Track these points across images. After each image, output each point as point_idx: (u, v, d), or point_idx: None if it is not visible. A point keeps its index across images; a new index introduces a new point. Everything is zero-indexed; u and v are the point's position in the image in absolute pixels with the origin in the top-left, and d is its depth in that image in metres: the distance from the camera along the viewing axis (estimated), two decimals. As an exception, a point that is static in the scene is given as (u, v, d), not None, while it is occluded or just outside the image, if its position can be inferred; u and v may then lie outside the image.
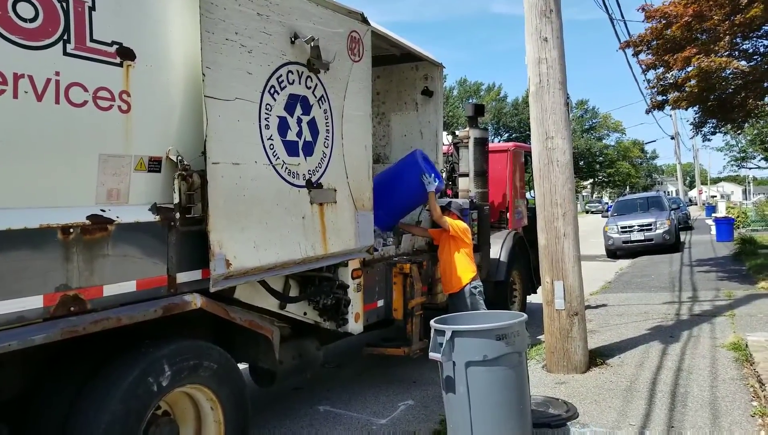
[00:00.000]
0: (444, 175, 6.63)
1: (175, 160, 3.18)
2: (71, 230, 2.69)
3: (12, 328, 2.46)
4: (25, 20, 2.55)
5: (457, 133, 7.79)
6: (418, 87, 6.45)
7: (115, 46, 2.92)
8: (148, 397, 2.89)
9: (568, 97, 6.04)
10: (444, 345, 3.79)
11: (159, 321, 3.03)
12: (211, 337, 3.68)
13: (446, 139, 7.62)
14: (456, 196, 7.43)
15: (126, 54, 2.97)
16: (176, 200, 3.17)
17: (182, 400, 3.29)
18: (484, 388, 3.77)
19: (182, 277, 3.21)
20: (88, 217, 2.78)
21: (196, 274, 3.29)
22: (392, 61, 6.39)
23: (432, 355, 3.89)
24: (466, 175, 7.41)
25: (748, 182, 69.87)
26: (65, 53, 2.71)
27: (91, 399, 2.78)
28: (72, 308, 2.68)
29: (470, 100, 48.03)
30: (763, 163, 45.95)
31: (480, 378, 3.76)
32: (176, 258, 3.17)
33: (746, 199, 47.09)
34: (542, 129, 5.88)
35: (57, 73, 2.67)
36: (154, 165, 3.14)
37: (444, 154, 6.98)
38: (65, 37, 2.70)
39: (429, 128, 6.43)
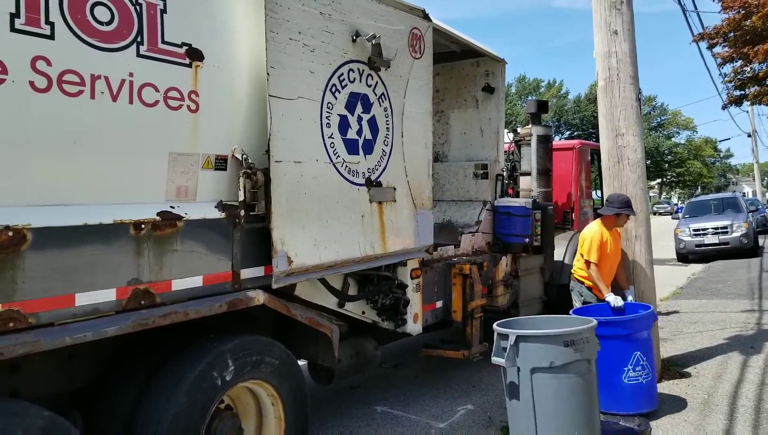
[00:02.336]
0: (505, 173, 6.47)
1: (240, 159, 3.24)
2: (143, 226, 2.78)
3: (87, 319, 2.56)
4: (101, 23, 2.65)
5: (518, 130, 7.61)
6: (478, 83, 6.33)
7: (185, 48, 3.00)
8: (212, 391, 2.95)
9: (639, 92, 5.79)
10: (508, 350, 3.68)
11: (222, 316, 3.09)
12: (270, 333, 3.73)
13: (507, 136, 7.45)
14: (517, 195, 7.25)
15: (195, 55, 3.05)
16: (241, 198, 3.23)
17: (244, 395, 3.34)
18: (550, 397, 3.63)
19: (246, 274, 3.27)
20: (158, 214, 2.87)
21: (258, 271, 3.34)
22: (452, 57, 6.30)
23: (495, 359, 3.78)
24: (528, 173, 7.22)
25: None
26: (138, 55, 2.80)
27: (158, 391, 2.86)
28: (142, 302, 2.77)
29: (530, 97, 47.08)
30: None
31: (546, 385, 3.63)
32: (240, 254, 3.23)
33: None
34: (612, 125, 5.65)
35: (131, 74, 2.77)
36: (221, 163, 3.21)
37: (505, 152, 6.82)
38: (138, 40, 2.80)
39: (490, 126, 6.29)
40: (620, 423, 4.31)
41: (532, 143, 7.17)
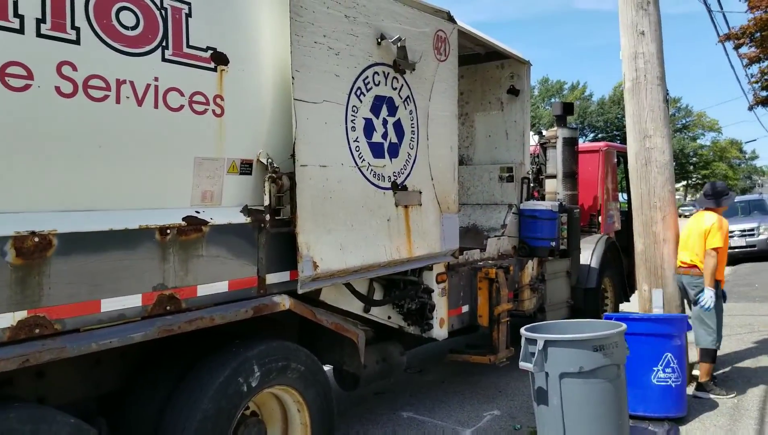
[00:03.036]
0: (531, 176, 6.37)
1: (265, 163, 3.20)
2: (168, 231, 2.76)
3: (113, 325, 2.54)
4: (127, 28, 2.64)
5: (543, 132, 7.49)
6: (503, 86, 6.24)
7: (210, 52, 2.98)
8: (238, 397, 2.92)
9: (667, 93, 5.67)
10: (536, 355, 3.63)
11: (248, 321, 3.06)
12: (295, 338, 3.70)
13: (533, 139, 7.34)
14: (543, 198, 7.14)
15: (220, 59, 3.02)
16: (266, 202, 3.19)
17: (270, 401, 3.31)
18: (579, 402, 3.59)
19: (271, 278, 3.23)
20: (183, 219, 2.85)
21: (284, 276, 3.30)
22: (476, 60, 6.22)
23: (523, 365, 3.73)
24: (554, 176, 7.11)
25: None
26: (163, 59, 2.78)
27: (184, 397, 2.83)
28: (168, 307, 2.75)
29: (553, 100, 46.58)
30: None
31: (575, 390, 3.59)
32: (266, 259, 3.20)
33: None
34: (639, 127, 5.57)
35: (156, 79, 2.75)
36: (246, 167, 3.18)
37: (530, 154, 6.72)
38: (164, 44, 2.78)
39: (515, 128, 6.20)
40: (649, 428, 4.26)
41: (558, 145, 7.05)
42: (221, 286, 2.98)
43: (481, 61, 6.26)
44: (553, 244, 5.98)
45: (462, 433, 4.55)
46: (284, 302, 3.17)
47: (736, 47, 12.74)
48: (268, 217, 3.19)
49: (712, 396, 4.95)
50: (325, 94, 3.41)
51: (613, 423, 3.63)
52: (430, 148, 4.27)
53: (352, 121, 3.62)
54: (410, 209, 4.06)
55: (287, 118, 3.28)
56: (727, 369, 5.70)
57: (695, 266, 5.15)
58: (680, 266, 5.30)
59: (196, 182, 2.96)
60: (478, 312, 5.10)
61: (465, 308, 5.02)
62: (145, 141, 2.73)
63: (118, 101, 2.60)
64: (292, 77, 3.22)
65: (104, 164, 2.59)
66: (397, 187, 3.96)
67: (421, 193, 4.16)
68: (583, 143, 8.47)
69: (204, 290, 2.90)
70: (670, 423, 4.33)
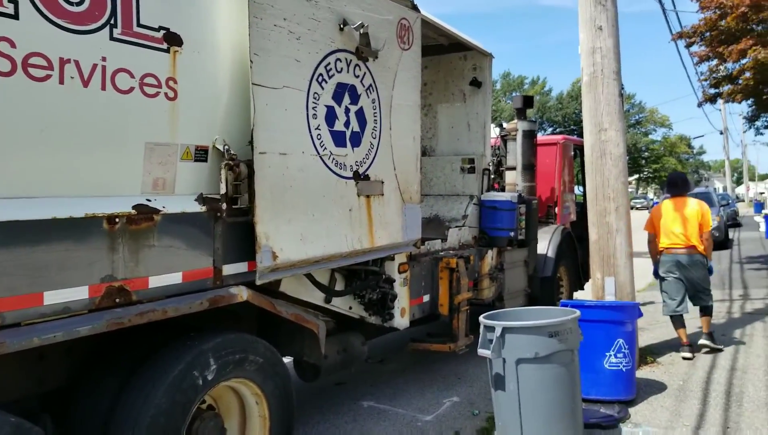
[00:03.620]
0: (491, 168, 6.42)
1: (221, 150, 3.09)
2: (117, 220, 2.63)
3: (58, 319, 2.41)
4: (71, 3, 2.48)
5: (504, 125, 7.56)
6: (466, 77, 6.24)
7: (162, 32, 2.84)
8: (193, 391, 2.82)
9: (622, 88, 5.80)
10: (494, 341, 3.67)
11: (204, 314, 2.96)
12: (254, 330, 3.61)
13: (493, 131, 7.40)
14: (503, 189, 7.22)
15: (173, 40, 2.89)
16: (223, 191, 3.08)
17: (227, 394, 3.22)
18: (534, 386, 3.67)
19: (228, 269, 3.13)
20: (134, 207, 2.72)
21: (242, 267, 3.20)
22: (440, 50, 6.20)
23: (481, 351, 3.77)
24: (514, 168, 7.19)
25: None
26: (112, 38, 2.63)
27: (136, 392, 2.72)
28: (117, 300, 2.62)
29: (515, 94, 47.26)
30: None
31: (531, 376, 3.66)
32: (222, 250, 3.09)
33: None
34: (595, 120, 5.70)
35: (103, 59, 2.60)
36: (201, 154, 3.06)
37: (491, 146, 6.77)
38: (112, 22, 2.63)
39: (477, 120, 6.22)
40: (601, 410, 4.39)
41: (518, 138, 7.13)
42: (175, 278, 2.86)
43: (444, 52, 6.24)
44: (512, 234, 6.05)
45: (422, 420, 4.56)
46: (242, 293, 3.08)
47: (688, 46, 13.19)
48: (224, 205, 3.08)
49: (711, 345, 5.91)
50: (285, 79, 3.31)
51: (567, 406, 3.73)
52: (393, 137, 4.23)
53: (313, 108, 3.53)
54: (372, 199, 4.01)
55: (245, 104, 3.17)
56: (673, 353, 5.93)
57: (694, 246, 5.86)
58: (673, 246, 5.92)
59: (147, 169, 2.83)
60: (439, 301, 5.12)
61: (426, 298, 5.02)
62: (91, 124, 2.59)
63: (61, 81, 2.45)
64: (251, 61, 3.11)
65: (47, 148, 2.44)
66: (359, 177, 3.90)
67: (383, 183, 4.12)
68: (542, 136, 8.59)
69: (156, 282, 2.78)
70: (621, 405, 4.48)
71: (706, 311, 6.01)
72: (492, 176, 6.49)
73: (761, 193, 55.99)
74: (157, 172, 2.88)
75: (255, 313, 3.52)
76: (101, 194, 2.63)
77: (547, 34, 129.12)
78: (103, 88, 2.61)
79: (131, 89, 2.72)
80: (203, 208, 3.01)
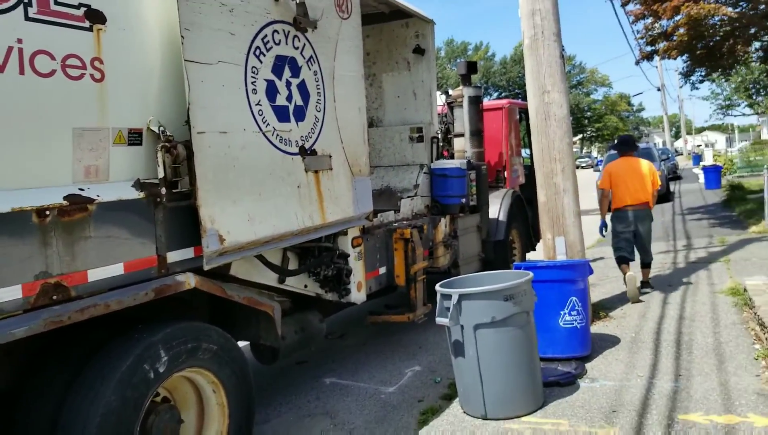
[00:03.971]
0: (440, 136, 6.41)
1: (157, 132, 2.94)
2: (47, 212, 2.47)
3: (-10, 321, 2.26)
4: (-25, -20, 2.27)
5: (450, 92, 7.54)
6: (409, 45, 6.16)
7: (83, 9, 2.66)
8: (144, 385, 2.72)
9: (563, 49, 5.84)
10: (451, 309, 3.71)
11: (153, 304, 2.85)
12: (209, 317, 3.52)
13: (440, 99, 7.36)
14: (452, 157, 7.24)
15: (95, 17, 2.70)
16: (161, 174, 2.94)
17: (183, 384, 3.13)
18: (493, 350, 3.74)
19: (173, 257, 3.01)
20: (65, 198, 2.56)
21: (188, 253, 3.09)
22: (381, 19, 6.09)
23: (439, 320, 3.80)
24: (462, 135, 7.20)
25: (732, 130, 70.01)
26: (27, 18, 2.44)
27: (84, 391, 2.60)
28: (54, 297, 2.48)
29: (459, 60, 47.36)
30: (747, 111, 46.14)
31: (489, 340, 3.73)
32: (165, 236, 2.97)
33: (730, 147, 47.33)
34: (538, 83, 5.71)
35: (19, 41, 2.41)
36: (135, 137, 2.90)
37: (438, 114, 6.75)
38: (26, 1, 2.43)
39: (422, 88, 6.17)
40: (558, 368, 4.50)
41: (464, 104, 7.12)
42: (116, 269, 2.73)
43: (385, 21, 6.13)
44: (464, 200, 6.10)
45: (385, 392, 4.60)
46: (189, 281, 2.97)
47: (624, 4, 13.42)
48: (164, 190, 2.95)
49: (649, 290, 6.58)
50: (220, 54, 3.16)
51: (525, 367, 3.82)
52: (338, 110, 4.13)
53: (252, 83, 3.40)
54: (321, 174, 3.93)
55: (180, 82, 3.01)
56: (624, 306, 6.13)
57: (647, 202, 6.48)
58: (632, 203, 6.44)
59: (77, 156, 2.66)
60: (395, 272, 5.13)
61: (382, 270, 5.02)
62: (11, 112, 2.40)
63: (-28, 67, 2.25)
64: (182, 36, 2.95)
65: (-39, 140, 2.25)
66: (306, 152, 3.80)
67: (331, 157, 4.04)
68: (487, 101, 8.63)
69: (96, 275, 2.64)
70: (577, 362, 4.60)
71: (647, 265, 6.73)
72: (441, 144, 6.49)
73: (698, 146, 58.59)
74: (89, 159, 2.72)
75: (207, 300, 3.42)
76: (29, 186, 2.47)
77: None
78: (22, 72, 2.42)
79: (53, 72, 2.55)
80: (141, 194, 2.87)
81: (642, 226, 6.53)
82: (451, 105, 7.44)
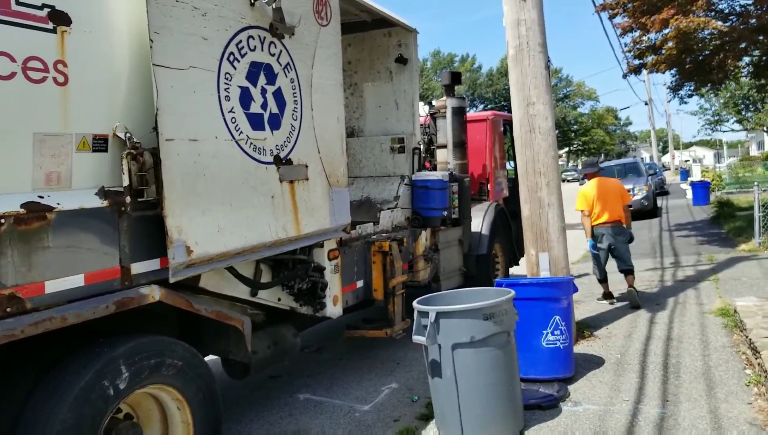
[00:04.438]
0: (422, 147, 6.35)
1: (123, 138, 2.84)
2: (2, 220, 2.36)
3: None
4: (-73, -24, 2.17)
5: (433, 103, 7.49)
6: (391, 55, 6.11)
7: (47, 10, 2.57)
8: (103, 402, 2.60)
9: (548, 61, 5.81)
10: (429, 327, 3.59)
11: (116, 317, 2.73)
12: (176, 331, 3.40)
13: (423, 109, 7.32)
14: (435, 168, 7.18)
15: (60, 18, 2.61)
16: (126, 183, 2.84)
17: (146, 401, 3.01)
18: (472, 371, 3.59)
19: (138, 268, 2.90)
20: (22, 205, 2.45)
21: (153, 264, 2.98)
22: (363, 27, 6.03)
23: (416, 338, 3.68)
24: (444, 146, 7.15)
25: (720, 146, 71.02)
26: (-15, 18, 2.34)
27: (38, 408, 2.48)
28: (8, 309, 2.36)
29: (444, 71, 47.68)
30: (736, 126, 46.60)
31: (468, 360, 3.58)
32: (130, 247, 2.86)
33: (719, 163, 47.90)
34: (523, 94, 5.66)
35: (-24, 41, 2.32)
36: (100, 144, 2.80)
37: (421, 125, 6.69)
38: (-16, -1, 2.34)
39: (405, 98, 6.11)
40: (540, 390, 4.35)
41: (447, 115, 7.08)
42: (76, 280, 2.62)
43: (367, 29, 6.07)
44: (445, 213, 6.03)
45: (360, 410, 4.47)
46: (153, 293, 2.86)
47: (611, 17, 13.44)
48: (128, 199, 2.84)
49: (635, 294, 6.74)
50: (191, 59, 3.07)
51: (506, 389, 3.66)
52: (315, 118, 4.05)
53: (225, 89, 3.31)
54: (296, 184, 3.84)
55: (148, 87, 2.92)
56: (610, 325, 5.99)
57: (620, 219, 6.81)
58: (606, 222, 6.78)
59: (38, 162, 2.56)
60: (373, 286, 5.03)
61: (359, 283, 4.92)
62: (-35, 115, 2.29)
63: None
64: (151, 40, 2.86)
65: None
66: (281, 161, 3.71)
67: (307, 166, 3.95)
68: (471, 113, 8.60)
69: (54, 286, 2.53)
70: (560, 383, 4.44)
71: (629, 272, 6.94)
72: (423, 155, 6.42)
73: (686, 161, 59.20)
74: (50, 166, 2.61)
75: (175, 313, 3.30)
76: (-17, 193, 2.36)
77: (477, 11, 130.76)
78: (-22, 74, 2.32)
79: (12, 74, 2.45)
80: (105, 203, 2.76)
81: (619, 241, 6.84)
82: (434, 116, 7.39)
